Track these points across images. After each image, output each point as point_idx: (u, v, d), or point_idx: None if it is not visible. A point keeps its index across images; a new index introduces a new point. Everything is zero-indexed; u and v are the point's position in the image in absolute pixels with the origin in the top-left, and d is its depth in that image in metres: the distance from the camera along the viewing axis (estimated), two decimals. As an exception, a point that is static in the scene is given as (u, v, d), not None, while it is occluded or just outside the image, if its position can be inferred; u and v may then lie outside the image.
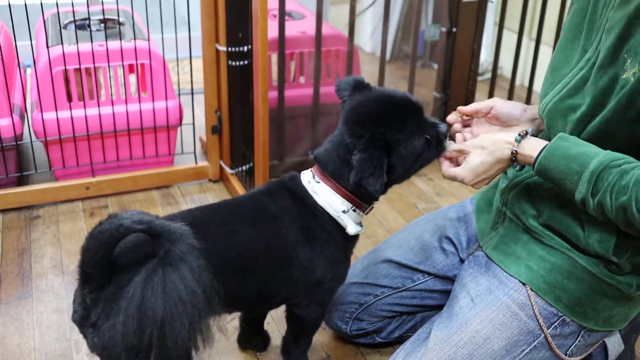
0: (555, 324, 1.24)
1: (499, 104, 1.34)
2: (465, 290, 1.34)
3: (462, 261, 1.47)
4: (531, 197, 1.27)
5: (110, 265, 1.07)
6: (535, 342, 1.25)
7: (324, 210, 1.26)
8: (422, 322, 1.53)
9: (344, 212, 1.26)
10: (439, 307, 1.48)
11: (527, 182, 1.28)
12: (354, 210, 1.27)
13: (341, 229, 1.28)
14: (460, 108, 1.36)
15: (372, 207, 1.32)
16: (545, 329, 1.24)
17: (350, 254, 1.36)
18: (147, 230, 1.02)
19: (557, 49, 1.24)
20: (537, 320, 1.24)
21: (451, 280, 1.47)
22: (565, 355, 1.26)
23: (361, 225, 1.30)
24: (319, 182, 1.26)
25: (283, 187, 1.29)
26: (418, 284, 1.51)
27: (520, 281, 1.27)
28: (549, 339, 1.24)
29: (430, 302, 1.52)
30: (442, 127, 1.25)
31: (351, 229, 1.27)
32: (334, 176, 1.25)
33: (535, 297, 1.25)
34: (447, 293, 1.46)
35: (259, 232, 1.23)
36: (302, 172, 1.29)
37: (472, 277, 1.35)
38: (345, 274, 1.37)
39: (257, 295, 1.28)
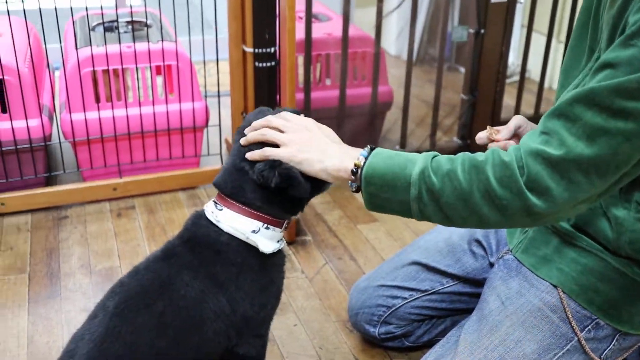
0: (589, 327, 1.22)
1: (524, 125, 1.29)
2: (495, 293, 1.32)
3: (491, 265, 1.45)
4: None
5: None
6: (569, 346, 1.22)
7: (231, 237, 1.15)
8: (453, 327, 1.50)
9: (253, 232, 1.15)
10: (469, 311, 1.46)
11: None
12: (267, 228, 1.16)
13: (256, 251, 1.17)
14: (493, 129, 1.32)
15: (290, 221, 1.22)
16: (578, 332, 1.21)
17: (280, 273, 1.24)
18: None
19: (568, 49, 1.22)
20: (570, 323, 1.22)
21: (481, 283, 1.45)
22: (600, 359, 1.23)
23: (280, 241, 1.20)
24: (221, 209, 1.16)
25: (181, 238, 1.19)
26: (447, 287, 1.49)
27: (551, 284, 1.25)
28: (583, 342, 1.22)
29: (460, 305, 1.50)
30: None
31: (265, 247, 1.16)
32: (235, 194, 1.14)
33: (568, 299, 1.23)
34: (477, 296, 1.43)
35: (154, 310, 1.12)
36: (206, 205, 1.20)
37: (502, 280, 1.33)
38: (276, 297, 1.25)
39: None
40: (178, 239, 1.20)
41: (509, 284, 1.31)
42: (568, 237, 1.24)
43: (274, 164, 1.10)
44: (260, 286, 1.20)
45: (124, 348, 1.09)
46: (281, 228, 1.20)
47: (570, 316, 1.22)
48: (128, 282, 1.16)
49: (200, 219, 1.19)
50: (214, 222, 1.16)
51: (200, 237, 1.17)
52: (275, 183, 1.10)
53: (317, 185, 1.16)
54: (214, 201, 1.19)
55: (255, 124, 1.18)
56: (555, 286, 1.24)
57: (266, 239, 1.17)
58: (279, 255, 1.22)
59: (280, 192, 1.13)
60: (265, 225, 1.16)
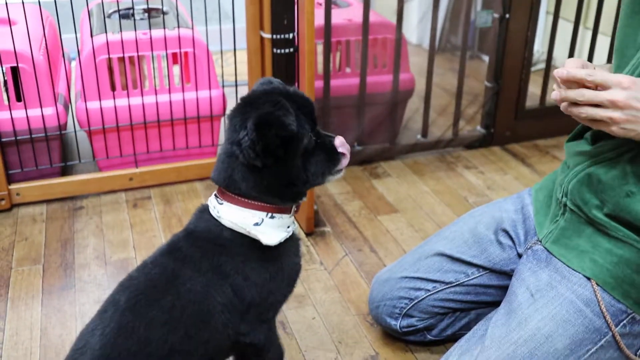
0: (624, 321, 1.16)
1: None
2: (524, 286, 1.26)
3: (519, 256, 1.39)
4: (593, 187, 1.18)
5: None
6: (602, 341, 1.16)
7: (234, 232, 1.12)
8: (477, 320, 1.45)
9: (256, 224, 1.11)
10: (494, 304, 1.40)
11: (588, 171, 1.19)
12: (272, 217, 1.12)
13: (261, 244, 1.12)
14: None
15: (299, 206, 1.17)
16: (613, 327, 1.15)
17: (291, 258, 1.19)
18: None
19: (619, 27, 1.15)
20: (604, 317, 1.16)
21: (508, 275, 1.39)
22: (636, 355, 1.17)
23: (290, 227, 1.16)
24: (222, 204, 1.12)
25: (186, 232, 1.16)
26: (472, 279, 1.43)
27: (584, 276, 1.19)
28: (617, 337, 1.15)
29: (485, 298, 1.44)
30: (336, 137, 1.14)
31: (268, 239, 1.11)
32: (229, 185, 1.11)
33: (602, 292, 1.17)
34: (503, 289, 1.38)
35: (164, 305, 1.09)
36: (209, 199, 1.16)
37: (532, 271, 1.27)
38: (287, 284, 1.20)
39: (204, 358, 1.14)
40: (183, 232, 1.18)
41: (539, 276, 1.25)
42: (602, 227, 1.17)
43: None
44: (270, 275, 1.16)
45: (138, 343, 1.06)
46: (289, 213, 1.15)
47: (604, 310, 1.16)
48: (137, 276, 1.14)
49: (204, 212, 1.16)
50: (216, 217, 1.13)
51: (203, 232, 1.14)
52: (251, 138, 1.03)
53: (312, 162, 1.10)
54: (215, 195, 1.15)
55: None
56: (588, 278, 1.18)
57: (272, 228, 1.12)
58: (289, 242, 1.17)
59: (272, 174, 1.08)
60: (270, 214, 1.12)
